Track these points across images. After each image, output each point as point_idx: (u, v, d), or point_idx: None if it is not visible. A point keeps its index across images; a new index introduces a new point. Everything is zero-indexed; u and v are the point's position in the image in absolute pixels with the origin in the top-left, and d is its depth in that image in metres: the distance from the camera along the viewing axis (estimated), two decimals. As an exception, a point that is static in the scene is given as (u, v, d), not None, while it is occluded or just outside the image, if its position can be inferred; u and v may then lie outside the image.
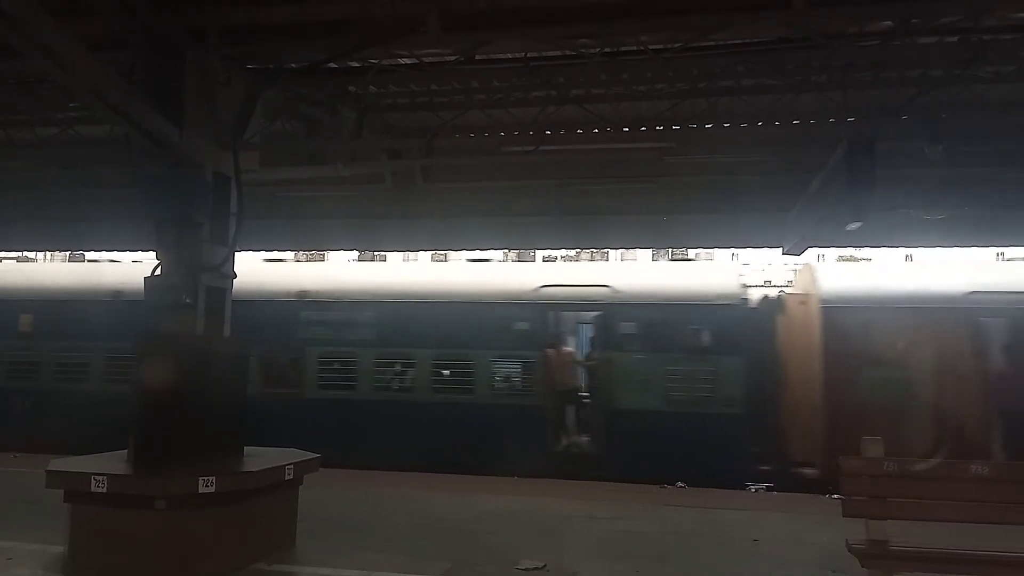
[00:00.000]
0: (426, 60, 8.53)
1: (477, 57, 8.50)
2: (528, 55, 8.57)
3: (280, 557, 6.93)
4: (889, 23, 7.56)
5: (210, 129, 7.73)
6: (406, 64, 8.66)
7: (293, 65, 8.56)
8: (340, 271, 17.01)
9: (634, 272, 15.00)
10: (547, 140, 9.77)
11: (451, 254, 18.96)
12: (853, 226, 7.73)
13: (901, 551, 5.39)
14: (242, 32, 7.79)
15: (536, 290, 12.97)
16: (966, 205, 11.54)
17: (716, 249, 21.59)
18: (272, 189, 11.67)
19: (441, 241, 16.13)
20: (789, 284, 14.26)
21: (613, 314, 12.61)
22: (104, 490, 6.27)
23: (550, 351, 12.65)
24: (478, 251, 16.70)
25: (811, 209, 8.93)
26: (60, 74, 6.39)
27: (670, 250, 18.87)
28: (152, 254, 7.72)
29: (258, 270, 13.97)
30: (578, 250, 28.48)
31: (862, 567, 5.43)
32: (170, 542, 6.29)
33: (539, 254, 18.73)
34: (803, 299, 12.66)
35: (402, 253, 20.89)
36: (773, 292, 13.41)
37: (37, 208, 13.99)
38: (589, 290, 12.94)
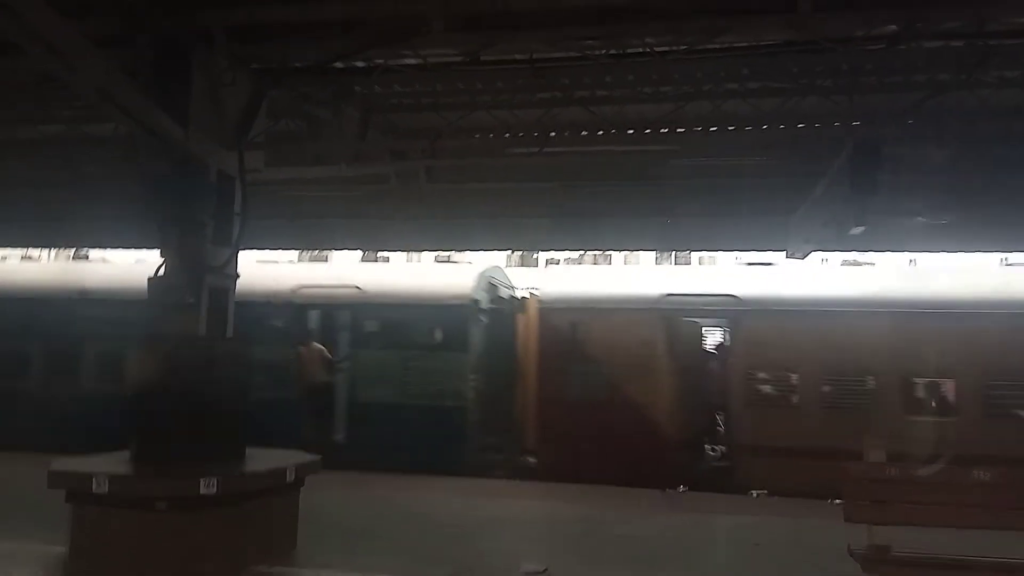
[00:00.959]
0: (431, 61, 8.52)
1: (482, 58, 8.49)
2: (533, 56, 8.56)
3: (281, 559, 6.93)
4: (894, 27, 7.53)
5: (215, 129, 7.73)
6: (411, 64, 8.65)
7: (298, 65, 8.56)
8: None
9: (382, 273, 15.66)
10: (551, 142, 9.76)
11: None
12: (856, 230, 7.72)
13: (903, 556, 5.38)
14: (247, 32, 7.79)
15: (294, 290, 13.69)
16: (970, 210, 11.52)
17: (719, 252, 21.53)
18: (276, 189, 11.67)
19: (445, 242, 16.14)
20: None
21: (359, 313, 13.36)
22: (106, 491, 6.27)
23: (302, 348, 13.13)
24: (472, 251, 16.72)
25: (815, 213, 8.92)
26: (65, 72, 6.39)
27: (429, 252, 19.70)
28: (155, 253, 7.72)
29: None
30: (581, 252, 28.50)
31: (864, 572, 5.41)
32: (171, 543, 6.29)
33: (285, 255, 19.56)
34: (533, 300, 13.62)
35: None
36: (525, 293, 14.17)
37: (41, 206, 14.01)
38: (339, 291, 13.61)
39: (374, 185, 11.60)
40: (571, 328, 12.98)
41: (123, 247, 17.14)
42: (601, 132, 9.73)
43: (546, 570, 6.79)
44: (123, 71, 6.90)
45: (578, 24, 7.41)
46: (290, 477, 7.19)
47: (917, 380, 11.83)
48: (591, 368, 12.68)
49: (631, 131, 9.67)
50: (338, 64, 8.50)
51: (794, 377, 12.33)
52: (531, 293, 13.72)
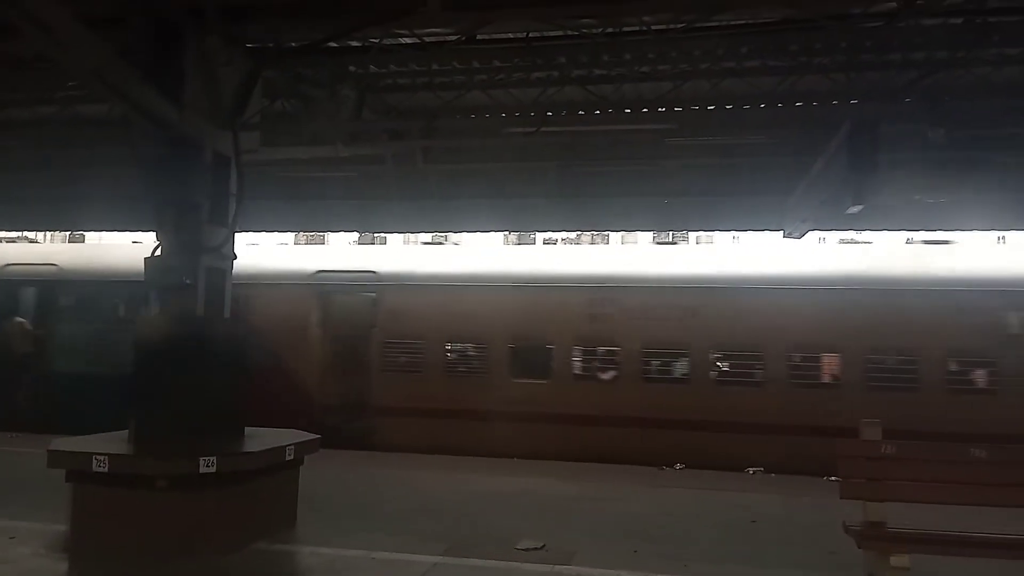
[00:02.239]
0: (427, 39, 8.48)
1: (478, 36, 8.45)
2: (530, 35, 8.51)
3: (281, 537, 6.98)
4: (893, 4, 7.50)
5: (210, 109, 7.69)
6: (407, 43, 8.61)
7: (293, 44, 8.50)
8: None
9: (81, 250, 16.82)
10: (548, 121, 9.73)
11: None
12: (854, 209, 7.71)
13: (897, 532, 5.43)
14: (241, 11, 7.73)
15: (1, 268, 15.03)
16: (968, 189, 11.51)
17: (716, 232, 21.55)
18: (272, 170, 11.63)
19: (441, 222, 16.10)
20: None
21: (56, 289, 14.61)
22: (105, 470, 6.30)
23: (6, 322, 14.37)
24: (469, 231, 16.73)
25: (812, 192, 8.91)
26: (58, 53, 6.35)
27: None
28: (151, 234, 7.71)
29: None
30: (578, 232, 28.48)
31: (859, 548, 5.46)
32: (171, 522, 6.33)
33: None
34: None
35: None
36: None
37: (36, 188, 13.96)
38: (40, 268, 14.86)
39: (370, 165, 11.57)
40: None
41: (119, 229, 17.09)
42: (598, 111, 9.72)
43: (543, 546, 6.85)
44: (117, 52, 6.85)
45: (575, 2, 7.37)
46: (289, 455, 7.22)
47: (514, 346, 13.18)
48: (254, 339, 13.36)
49: (628, 110, 9.66)
50: (333, 43, 8.45)
51: (421, 344, 13.41)
52: None
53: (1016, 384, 11.36)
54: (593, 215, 14.23)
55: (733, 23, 8.06)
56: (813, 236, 10.45)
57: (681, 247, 16.72)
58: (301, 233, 25.50)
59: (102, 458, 6.32)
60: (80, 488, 6.51)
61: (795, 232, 10.11)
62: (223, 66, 7.83)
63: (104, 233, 19.79)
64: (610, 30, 8.27)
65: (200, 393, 7.08)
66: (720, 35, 8.22)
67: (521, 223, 17.77)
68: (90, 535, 6.43)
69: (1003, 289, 11.93)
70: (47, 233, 24.20)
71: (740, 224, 14.31)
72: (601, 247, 20.72)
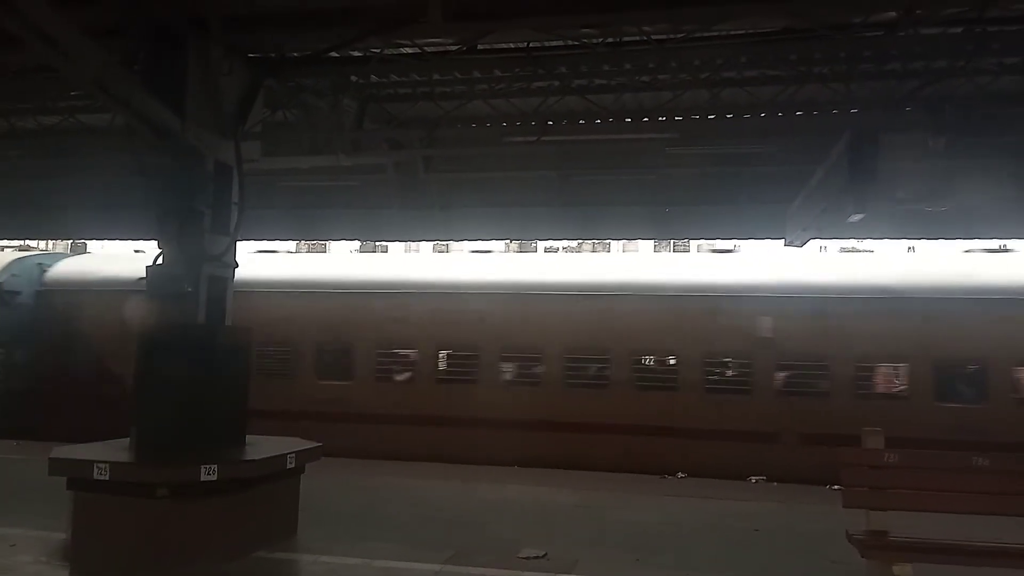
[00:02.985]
0: (428, 49, 8.51)
1: (479, 47, 8.48)
2: (530, 45, 8.55)
3: (282, 545, 6.97)
4: (893, 13, 7.53)
5: (212, 118, 7.73)
6: (408, 54, 8.65)
7: (295, 54, 8.55)
8: None
9: None
10: (549, 130, 9.76)
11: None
12: (855, 218, 7.72)
13: (900, 541, 5.41)
14: (244, 21, 7.77)
15: None
16: (968, 198, 11.52)
17: (717, 240, 21.55)
18: (274, 179, 11.67)
19: (442, 231, 16.11)
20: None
21: None
22: (106, 478, 6.30)
23: None
24: (470, 240, 16.82)
25: (813, 200, 8.92)
26: (62, 63, 6.38)
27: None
28: (154, 243, 7.73)
29: None
30: (579, 241, 28.49)
31: (861, 557, 5.44)
32: (172, 530, 6.32)
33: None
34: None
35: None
36: None
37: (38, 196, 13.99)
38: None
39: (371, 175, 11.60)
40: (63, 309, 14.95)
41: (121, 238, 17.12)
42: (599, 121, 9.74)
43: (545, 555, 6.83)
44: (119, 62, 6.89)
45: (575, 12, 7.40)
46: (290, 464, 7.21)
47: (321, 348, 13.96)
48: (72, 344, 14.61)
49: (628, 119, 9.69)
50: (335, 54, 8.49)
51: None
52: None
53: (764, 381, 12.41)
54: (593, 224, 14.23)
55: (733, 33, 8.09)
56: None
57: (489, 256, 17.28)
58: (303, 242, 25.56)
59: (103, 466, 6.32)
60: (81, 496, 6.50)
61: (796, 241, 10.11)
62: (225, 76, 7.87)
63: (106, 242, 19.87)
64: (610, 40, 8.30)
65: (201, 401, 7.08)
66: (720, 45, 8.25)
67: (522, 232, 17.78)
68: (91, 543, 6.42)
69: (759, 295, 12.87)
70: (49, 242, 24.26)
71: (741, 233, 14.30)
72: (411, 255, 21.64)
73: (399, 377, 13.72)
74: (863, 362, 12.40)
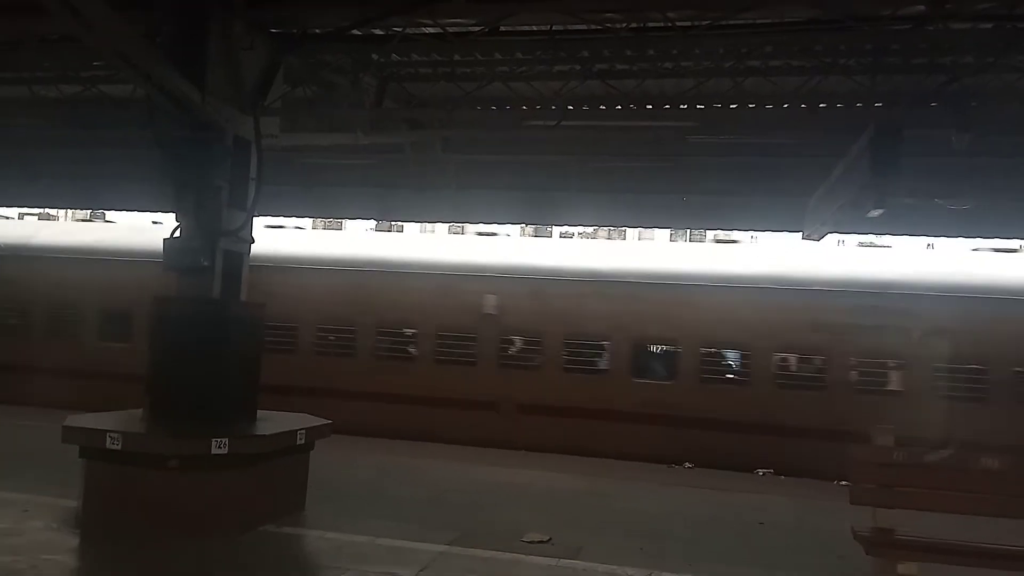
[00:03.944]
0: (450, 30, 8.45)
1: (501, 28, 8.41)
2: (553, 28, 8.47)
3: (289, 520, 7.03)
4: (922, 7, 7.40)
5: (232, 93, 7.72)
6: (429, 33, 8.59)
7: (317, 31, 8.51)
8: None
9: None
10: (569, 115, 9.69)
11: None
12: (875, 213, 7.64)
13: (906, 540, 5.39)
14: (267, -4, 7.76)
15: None
16: (991, 196, 11.40)
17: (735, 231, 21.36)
18: (291, 155, 11.67)
19: (458, 213, 16.11)
20: None
21: None
22: (119, 447, 6.37)
23: None
24: (486, 223, 16.90)
25: (833, 194, 8.84)
26: (85, 33, 6.39)
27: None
28: (171, 216, 7.76)
29: None
30: (595, 227, 28.39)
31: (867, 555, 5.43)
32: (181, 501, 6.39)
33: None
34: None
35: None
36: None
37: (58, 166, 14.08)
38: None
39: (389, 154, 11.58)
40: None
41: (140, 209, 17.23)
42: (619, 107, 9.65)
43: (550, 540, 6.86)
44: (142, 34, 6.89)
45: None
46: (300, 440, 7.27)
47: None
48: None
49: (650, 106, 9.59)
50: (357, 31, 8.45)
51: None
52: None
53: (487, 352, 13.51)
54: (610, 210, 14.19)
55: (759, 22, 7.97)
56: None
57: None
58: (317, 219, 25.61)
59: (116, 436, 6.39)
60: (93, 464, 6.58)
61: (814, 234, 10.04)
62: (246, 51, 7.86)
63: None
64: (634, 25, 8.20)
65: (214, 375, 7.13)
66: (745, 33, 8.14)
67: (538, 215, 17.73)
68: (101, 511, 6.51)
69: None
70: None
71: (759, 224, 14.23)
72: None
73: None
74: (571, 340, 13.31)
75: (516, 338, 13.75)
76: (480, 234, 16.12)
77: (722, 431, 12.34)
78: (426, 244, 16.26)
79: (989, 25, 7.58)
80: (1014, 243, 14.04)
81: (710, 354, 13.05)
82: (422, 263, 14.29)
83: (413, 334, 14.04)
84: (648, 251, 15.12)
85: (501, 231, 17.38)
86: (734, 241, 14.84)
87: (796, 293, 12.68)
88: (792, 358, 13.25)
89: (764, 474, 11.71)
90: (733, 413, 12.42)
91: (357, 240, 16.43)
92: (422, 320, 13.87)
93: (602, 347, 13.29)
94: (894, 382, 12.59)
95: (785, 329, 12.63)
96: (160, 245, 7.42)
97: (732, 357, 13.37)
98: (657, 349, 13.59)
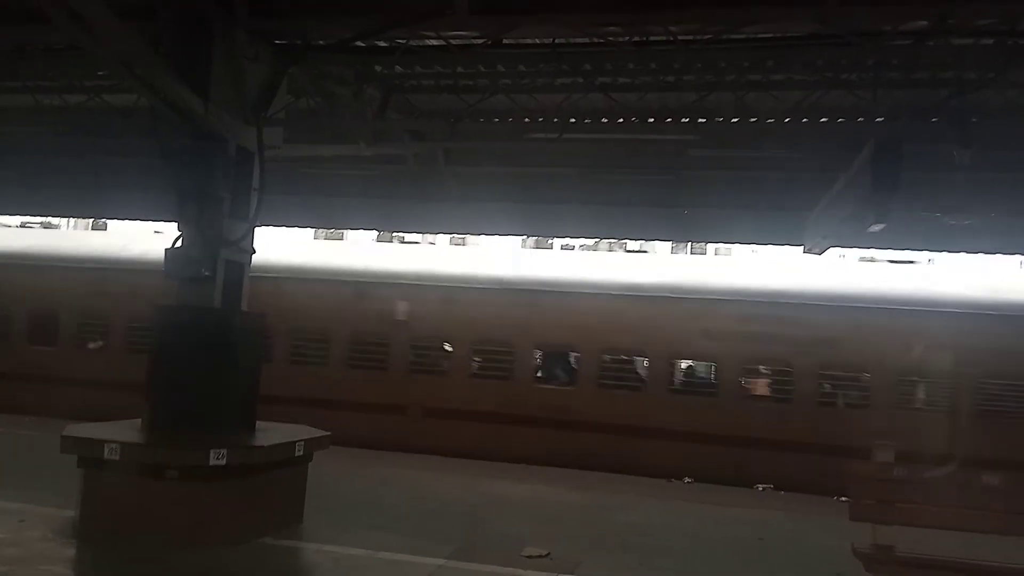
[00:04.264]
0: (453, 42, 8.48)
1: (504, 41, 8.45)
2: (555, 41, 8.50)
3: (287, 533, 7.00)
4: (924, 23, 7.42)
5: (235, 103, 7.75)
6: (433, 45, 8.62)
7: (320, 42, 8.55)
8: None
9: None
10: (571, 128, 9.71)
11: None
12: (876, 227, 7.64)
13: (906, 557, 5.36)
14: (270, 7, 7.79)
15: None
16: (993, 211, 11.39)
17: (736, 245, 21.37)
18: (294, 166, 11.70)
19: (460, 224, 16.13)
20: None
21: None
22: (117, 457, 6.35)
23: None
24: (488, 235, 17.04)
25: (834, 208, 8.84)
26: (89, 42, 6.42)
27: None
28: (173, 225, 7.77)
29: None
30: (596, 239, 28.39)
31: (866, 571, 5.40)
32: (179, 512, 6.37)
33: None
34: None
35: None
36: None
37: (61, 174, 14.11)
38: None
39: (392, 166, 11.60)
40: None
41: (142, 219, 17.25)
42: (621, 120, 9.66)
43: (548, 554, 6.82)
44: (147, 44, 6.92)
45: (602, 10, 7.35)
46: (299, 451, 7.25)
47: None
48: None
49: (652, 119, 9.61)
50: (360, 43, 8.48)
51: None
52: None
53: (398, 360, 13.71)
54: (612, 223, 14.19)
55: (760, 36, 8.00)
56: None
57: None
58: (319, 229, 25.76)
59: (114, 446, 6.38)
60: (91, 474, 6.57)
61: (816, 248, 10.04)
62: (250, 61, 7.89)
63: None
64: (636, 39, 8.23)
65: (214, 385, 7.12)
66: (746, 48, 8.17)
67: (540, 228, 17.74)
68: (99, 521, 6.49)
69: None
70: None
71: (760, 238, 14.23)
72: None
73: None
74: (479, 346, 13.63)
75: (427, 344, 14.05)
76: (403, 242, 16.53)
77: (619, 435, 12.65)
78: (343, 251, 16.53)
79: (990, 41, 7.60)
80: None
81: (610, 360, 13.36)
82: (338, 270, 14.53)
83: (326, 340, 14.16)
84: (561, 260, 16.02)
85: (424, 239, 18.10)
86: (643, 251, 15.66)
87: (689, 301, 13.08)
88: (688, 364, 13.82)
89: (763, 489, 11.66)
90: (630, 418, 12.74)
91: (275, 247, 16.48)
92: (338, 326, 14.04)
93: (511, 353, 13.45)
94: (777, 387, 12.96)
95: (679, 336, 13.00)
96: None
97: (633, 363, 13.64)
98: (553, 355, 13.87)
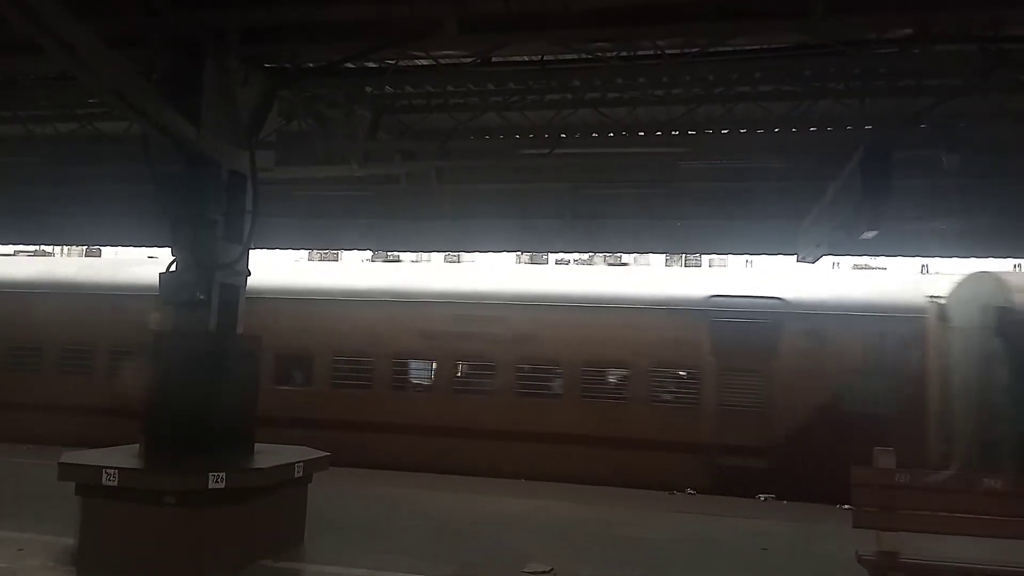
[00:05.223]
0: (442, 62, 8.55)
1: (493, 59, 8.51)
2: (544, 58, 8.57)
3: (288, 555, 6.96)
4: (908, 31, 7.51)
5: (227, 128, 7.77)
6: (423, 65, 8.69)
7: (311, 65, 8.60)
8: None
9: None
10: (562, 143, 9.77)
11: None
12: (868, 235, 7.69)
13: (911, 563, 5.35)
14: (261, 32, 7.84)
15: None
16: (983, 216, 11.47)
17: (729, 256, 21.51)
18: (287, 188, 11.72)
19: (454, 242, 16.17)
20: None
21: None
22: (115, 483, 6.31)
23: None
24: (482, 252, 17.20)
25: (826, 217, 8.89)
26: (81, 71, 6.44)
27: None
28: (167, 251, 7.77)
29: None
30: (590, 254, 28.46)
31: (871, 578, 5.39)
32: (179, 537, 6.32)
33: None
34: None
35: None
36: None
37: (54, 203, 14.11)
38: None
39: (385, 185, 11.64)
40: None
41: (136, 245, 17.23)
42: (612, 134, 9.73)
43: (551, 570, 6.79)
44: (138, 71, 6.95)
45: (589, 26, 7.42)
46: (298, 473, 7.22)
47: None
48: None
49: (642, 133, 9.68)
50: (350, 64, 8.53)
51: None
52: None
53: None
54: (605, 237, 14.24)
55: (747, 48, 8.08)
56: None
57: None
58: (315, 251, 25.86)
59: (112, 472, 6.33)
60: (89, 501, 6.52)
61: (809, 257, 10.08)
62: (241, 86, 7.92)
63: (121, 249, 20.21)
64: (624, 54, 8.31)
65: (211, 409, 7.10)
66: (734, 60, 8.24)
67: (534, 244, 17.81)
68: (98, 549, 6.43)
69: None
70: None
71: (753, 248, 14.29)
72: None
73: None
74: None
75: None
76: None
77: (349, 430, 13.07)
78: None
79: (974, 47, 7.68)
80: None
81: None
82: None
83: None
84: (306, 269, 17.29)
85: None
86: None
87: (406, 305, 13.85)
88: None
89: (766, 499, 11.63)
90: (360, 414, 13.48)
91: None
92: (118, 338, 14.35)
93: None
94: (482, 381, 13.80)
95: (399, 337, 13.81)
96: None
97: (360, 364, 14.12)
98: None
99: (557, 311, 13.37)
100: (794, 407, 12.10)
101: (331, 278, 15.34)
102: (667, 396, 13.14)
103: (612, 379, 13.44)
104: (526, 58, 8.64)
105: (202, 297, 7.29)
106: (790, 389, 12.16)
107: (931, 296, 12.10)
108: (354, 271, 17.25)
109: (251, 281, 7.97)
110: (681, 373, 13.15)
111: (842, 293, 12.97)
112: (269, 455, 7.38)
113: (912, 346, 11.87)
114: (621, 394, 13.15)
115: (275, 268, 14.94)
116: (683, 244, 16.42)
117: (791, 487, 11.39)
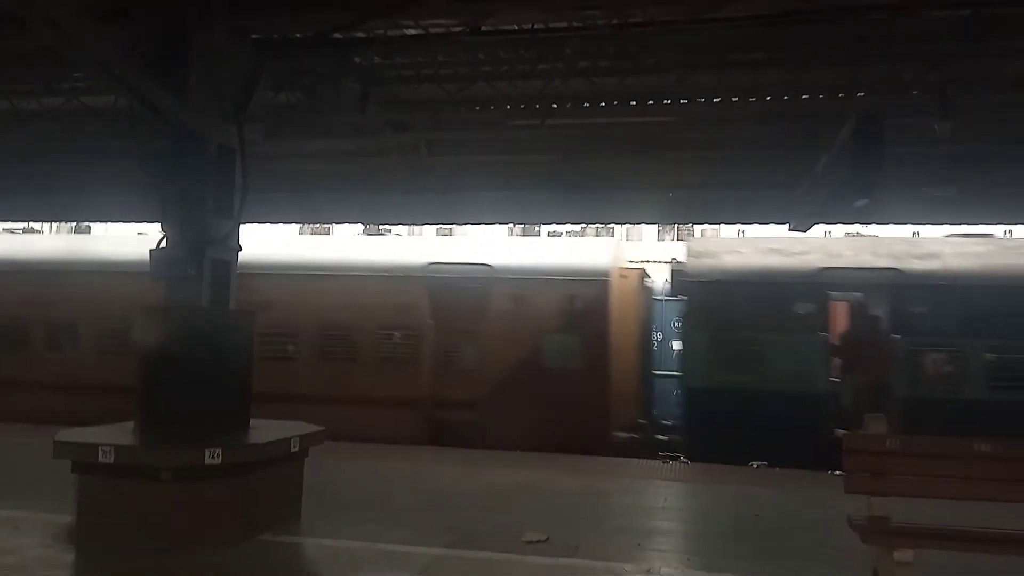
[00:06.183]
0: (432, 31, 8.44)
1: (483, 28, 8.41)
2: (535, 27, 8.48)
3: (286, 529, 7.00)
4: (900, -5, 7.45)
5: (214, 101, 7.66)
6: (412, 35, 8.58)
7: (298, 36, 8.48)
8: None
9: None
10: (553, 114, 9.70)
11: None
12: (860, 203, 7.70)
13: (902, 527, 5.42)
14: (247, 3, 7.71)
15: None
16: (975, 182, 11.48)
17: (722, 225, 21.53)
18: (277, 162, 11.63)
19: (445, 214, 16.12)
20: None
21: None
22: (111, 461, 6.32)
23: None
24: (474, 224, 17.05)
25: (818, 186, 8.89)
26: (65, 46, 6.35)
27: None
28: (157, 226, 7.72)
29: None
30: (583, 224, 28.42)
31: (863, 543, 5.45)
32: (176, 513, 6.35)
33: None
34: None
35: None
36: None
37: (41, 179, 13.98)
38: None
39: (375, 158, 11.57)
40: None
41: (124, 221, 17.15)
42: (603, 104, 9.66)
43: (547, 539, 6.86)
44: (122, 44, 6.84)
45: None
46: (294, 447, 7.24)
47: None
48: None
49: (633, 102, 9.61)
50: (338, 35, 8.42)
51: None
52: None
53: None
54: (598, 208, 14.23)
55: (739, 15, 8.00)
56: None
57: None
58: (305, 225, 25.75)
59: (108, 449, 6.34)
60: (86, 479, 6.54)
61: (801, 226, 10.10)
62: (228, 59, 7.81)
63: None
64: (615, 22, 8.21)
65: (205, 384, 7.09)
66: (726, 27, 8.16)
67: (525, 215, 17.77)
68: (95, 526, 6.46)
69: None
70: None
71: (746, 217, 14.34)
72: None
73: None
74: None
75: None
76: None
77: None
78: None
79: (967, 12, 7.62)
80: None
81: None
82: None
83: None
84: None
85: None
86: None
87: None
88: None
89: (758, 467, 11.75)
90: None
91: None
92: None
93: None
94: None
95: None
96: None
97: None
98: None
99: (298, 279, 13.71)
100: (500, 364, 13.05)
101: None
102: (393, 356, 13.66)
103: (345, 343, 13.85)
104: (516, 27, 8.55)
105: (193, 273, 7.26)
106: (496, 347, 13.13)
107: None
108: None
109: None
110: (403, 334, 13.74)
111: (541, 259, 13.90)
112: (265, 430, 7.39)
113: (597, 306, 13.06)
114: (353, 356, 13.62)
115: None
116: (676, 214, 16.42)
117: (498, 439, 12.07)
